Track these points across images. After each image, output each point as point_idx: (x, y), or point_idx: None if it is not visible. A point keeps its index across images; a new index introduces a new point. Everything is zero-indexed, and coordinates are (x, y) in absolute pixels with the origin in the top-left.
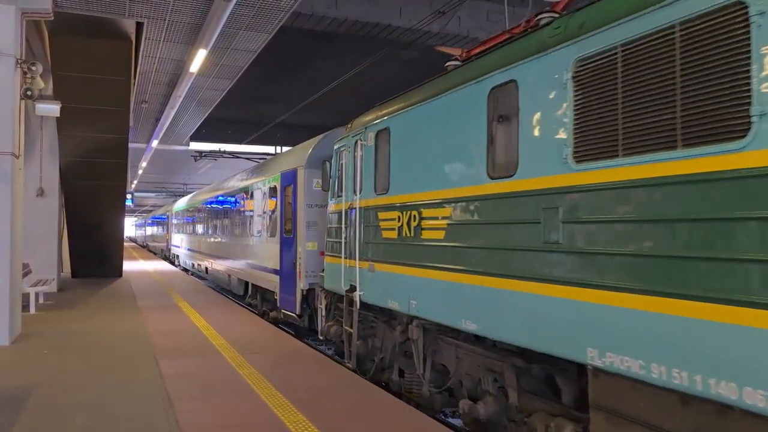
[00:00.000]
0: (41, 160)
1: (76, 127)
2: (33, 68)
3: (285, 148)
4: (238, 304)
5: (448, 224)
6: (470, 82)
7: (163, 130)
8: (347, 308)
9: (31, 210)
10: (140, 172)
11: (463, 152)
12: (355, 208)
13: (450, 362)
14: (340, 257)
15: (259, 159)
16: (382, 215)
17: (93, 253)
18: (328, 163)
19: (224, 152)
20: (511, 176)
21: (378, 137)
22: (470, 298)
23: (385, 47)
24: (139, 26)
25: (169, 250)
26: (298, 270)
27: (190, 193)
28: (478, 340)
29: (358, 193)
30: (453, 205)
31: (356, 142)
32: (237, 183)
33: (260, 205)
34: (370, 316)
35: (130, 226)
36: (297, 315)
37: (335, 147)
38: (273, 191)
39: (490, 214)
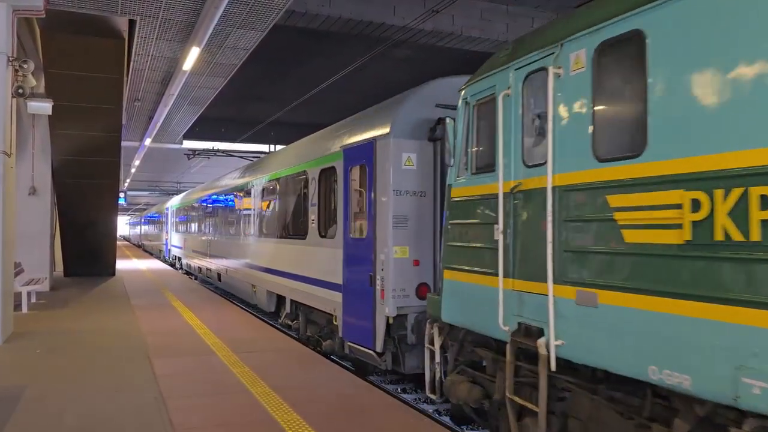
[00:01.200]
0: (33, 159)
1: (68, 125)
2: (24, 66)
3: (279, 147)
4: (235, 303)
5: None
6: None
7: (156, 129)
8: (510, 363)
9: (23, 209)
10: (133, 170)
11: None
12: (537, 190)
13: None
14: (493, 274)
15: (253, 157)
16: (620, 200)
17: (86, 252)
18: (451, 121)
19: (218, 151)
20: None
21: (602, 56)
22: None
23: (379, 45)
24: (131, 24)
25: (169, 251)
26: (378, 287)
27: (183, 191)
28: None
29: (550, 161)
30: None
31: (528, 76)
32: (265, 169)
33: (304, 196)
34: (561, 380)
35: (124, 225)
36: (376, 353)
37: (465, 94)
38: (328, 176)
39: None
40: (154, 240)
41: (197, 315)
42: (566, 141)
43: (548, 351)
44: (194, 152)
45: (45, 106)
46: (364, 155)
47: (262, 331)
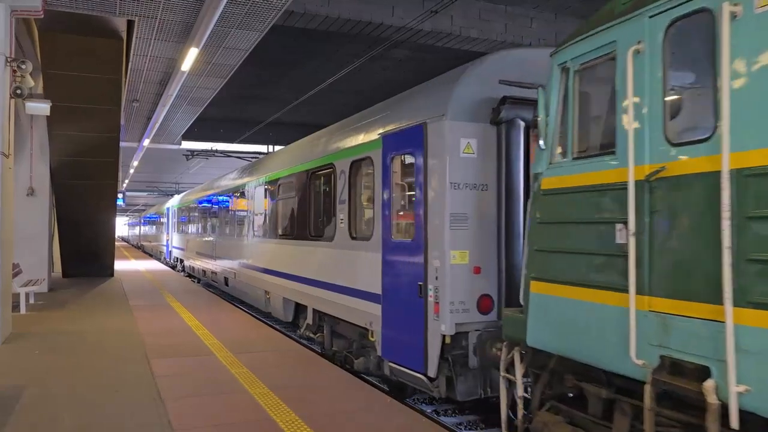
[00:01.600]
0: (31, 160)
1: (66, 126)
2: (23, 66)
3: (277, 147)
4: (234, 305)
5: None
6: None
7: (155, 129)
8: (651, 410)
9: (21, 210)
10: (131, 171)
11: None
12: (696, 176)
13: None
14: (617, 290)
15: (252, 158)
16: None
17: (84, 253)
18: (542, 91)
19: (216, 151)
20: None
21: None
22: None
23: (377, 46)
24: (130, 24)
25: (170, 252)
26: (431, 299)
27: (182, 192)
28: None
29: (726, 136)
30: None
31: (674, 23)
32: (282, 164)
33: (330, 192)
34: None
35: (123, 226)
36: (427, 377)
37: (563, 58)
38: (361, 168)
39: None
40: (154, 241)
41: (196, 316)
42: (750, 107)
43: (722, 399)
44: (193, 153)
45: (43, 107)
46: (411, 142)
47: (260, 331)
